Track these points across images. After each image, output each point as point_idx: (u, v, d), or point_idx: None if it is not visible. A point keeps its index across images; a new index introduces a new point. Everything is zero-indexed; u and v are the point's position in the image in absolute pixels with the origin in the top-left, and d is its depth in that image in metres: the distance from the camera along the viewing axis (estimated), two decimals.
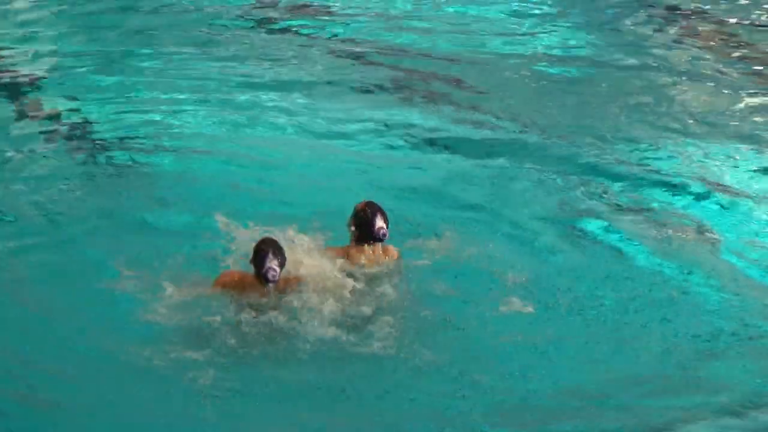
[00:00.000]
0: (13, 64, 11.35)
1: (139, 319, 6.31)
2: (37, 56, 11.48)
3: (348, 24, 12.91)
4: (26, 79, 10.87)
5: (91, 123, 9.66)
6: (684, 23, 13.09)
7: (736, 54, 11.92)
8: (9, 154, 8.86)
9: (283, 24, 12.76)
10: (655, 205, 8.26)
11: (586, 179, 8.61)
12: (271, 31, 12.43)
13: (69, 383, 5.97)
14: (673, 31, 12.79)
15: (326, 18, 13.14)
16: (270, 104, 10.02)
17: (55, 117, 9.89)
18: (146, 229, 7.56)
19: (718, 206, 8.22)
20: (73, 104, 10.15)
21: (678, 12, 13.52)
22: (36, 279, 6.94)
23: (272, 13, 13.13)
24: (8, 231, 7.57)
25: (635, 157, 9.06)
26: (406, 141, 9.39)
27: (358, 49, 11.95)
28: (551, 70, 11.32)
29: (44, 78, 10.90)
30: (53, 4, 13.24)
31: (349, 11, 13.38)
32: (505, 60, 11.56)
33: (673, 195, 8.41)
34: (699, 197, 8.36)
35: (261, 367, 6.09)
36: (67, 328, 6.40)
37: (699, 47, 12.16)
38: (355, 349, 6.17)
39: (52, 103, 10.25)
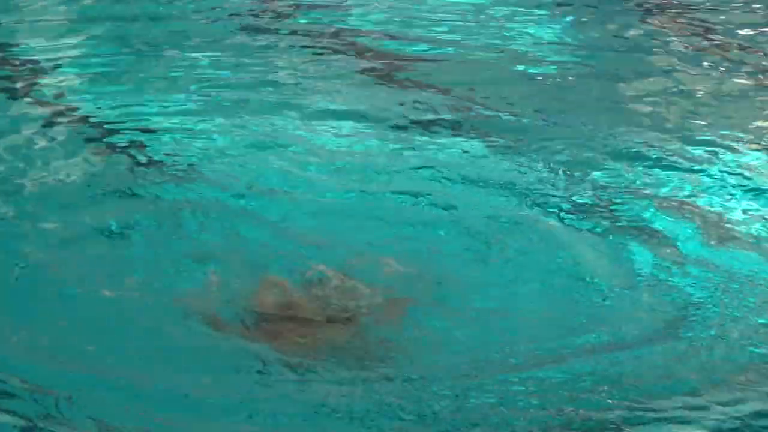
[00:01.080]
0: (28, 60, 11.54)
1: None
2: (54, 52, 11.70)
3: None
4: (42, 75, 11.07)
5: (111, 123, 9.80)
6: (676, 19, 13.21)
7: (733, 50, 12.10)
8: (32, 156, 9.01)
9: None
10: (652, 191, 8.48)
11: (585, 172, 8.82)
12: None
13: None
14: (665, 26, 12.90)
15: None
16: (297, 117, 10.05)
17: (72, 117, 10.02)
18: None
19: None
20: (91, 104, 10.32)
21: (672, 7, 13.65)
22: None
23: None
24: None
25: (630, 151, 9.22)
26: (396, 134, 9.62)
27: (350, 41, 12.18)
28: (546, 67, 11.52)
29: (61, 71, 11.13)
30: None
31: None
32: (498, 54, 11.77)
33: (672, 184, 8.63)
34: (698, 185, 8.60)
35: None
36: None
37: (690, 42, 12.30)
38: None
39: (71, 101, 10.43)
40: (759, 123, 10.04)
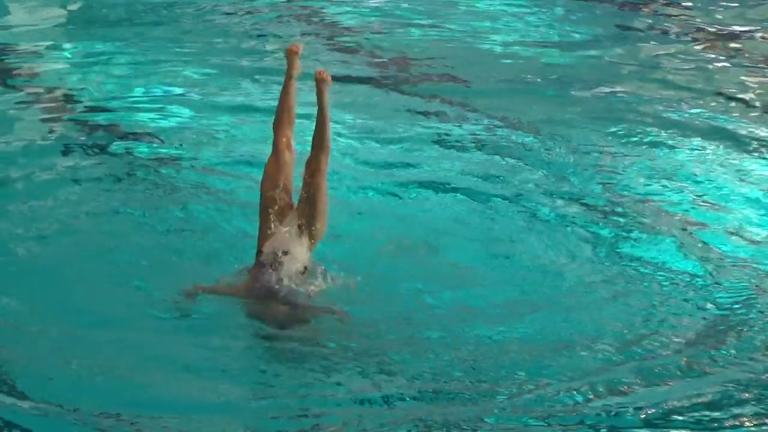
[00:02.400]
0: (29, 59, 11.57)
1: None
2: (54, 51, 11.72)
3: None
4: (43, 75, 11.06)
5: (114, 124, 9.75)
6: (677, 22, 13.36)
7: (728, 50, 12.28)
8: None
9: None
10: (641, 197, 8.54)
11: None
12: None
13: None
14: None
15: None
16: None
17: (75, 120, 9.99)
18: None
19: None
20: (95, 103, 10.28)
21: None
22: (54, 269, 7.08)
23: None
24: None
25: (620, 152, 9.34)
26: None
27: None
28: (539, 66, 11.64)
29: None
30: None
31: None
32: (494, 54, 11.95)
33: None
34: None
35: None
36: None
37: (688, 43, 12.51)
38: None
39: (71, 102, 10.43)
40: None
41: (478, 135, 9.55)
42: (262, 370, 6.19)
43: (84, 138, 9.38)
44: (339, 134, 9.19)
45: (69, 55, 11.66)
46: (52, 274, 6.95)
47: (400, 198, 8.31)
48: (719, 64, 11.78)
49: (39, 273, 6.97)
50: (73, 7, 13.32)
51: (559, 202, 8.26)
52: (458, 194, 8.35)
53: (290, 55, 6.72)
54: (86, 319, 6.50)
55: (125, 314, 6.54)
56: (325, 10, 13.50)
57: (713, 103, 10.51)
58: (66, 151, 9.03)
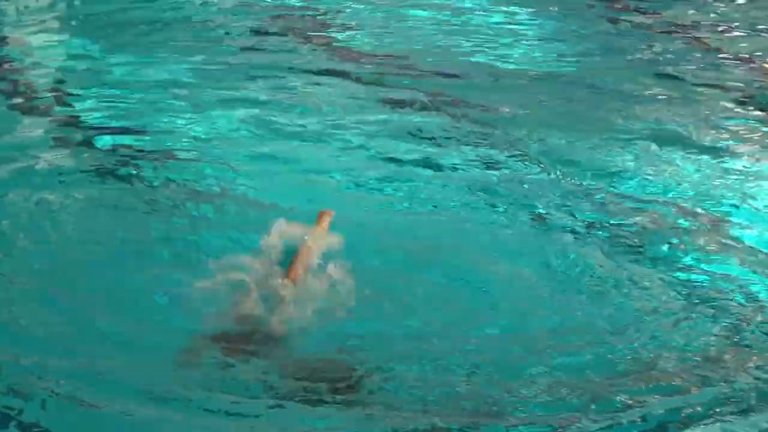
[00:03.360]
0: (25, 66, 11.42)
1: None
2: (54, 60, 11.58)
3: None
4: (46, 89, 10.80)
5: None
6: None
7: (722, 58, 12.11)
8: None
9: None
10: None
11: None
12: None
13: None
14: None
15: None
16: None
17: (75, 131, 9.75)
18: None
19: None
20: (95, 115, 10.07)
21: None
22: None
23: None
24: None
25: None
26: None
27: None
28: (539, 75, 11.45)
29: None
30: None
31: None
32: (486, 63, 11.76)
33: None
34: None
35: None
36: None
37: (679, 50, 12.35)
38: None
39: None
40: None
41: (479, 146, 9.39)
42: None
43: (71, 138, 9.32)
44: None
45: (60, 54, 11.68)
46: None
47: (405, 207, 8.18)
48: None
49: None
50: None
51: (566, 210, 8.11)
52: (460, 201, 8.24)
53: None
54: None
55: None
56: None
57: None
58: (52, 153, 8.92)
